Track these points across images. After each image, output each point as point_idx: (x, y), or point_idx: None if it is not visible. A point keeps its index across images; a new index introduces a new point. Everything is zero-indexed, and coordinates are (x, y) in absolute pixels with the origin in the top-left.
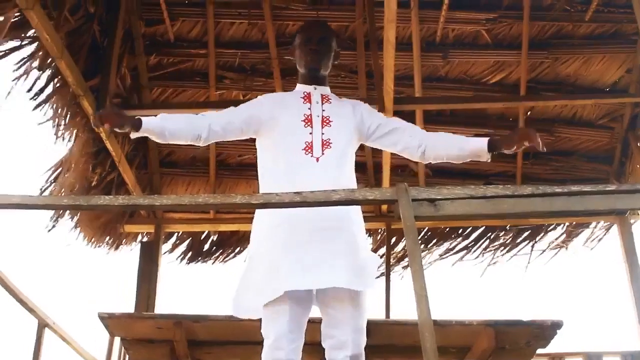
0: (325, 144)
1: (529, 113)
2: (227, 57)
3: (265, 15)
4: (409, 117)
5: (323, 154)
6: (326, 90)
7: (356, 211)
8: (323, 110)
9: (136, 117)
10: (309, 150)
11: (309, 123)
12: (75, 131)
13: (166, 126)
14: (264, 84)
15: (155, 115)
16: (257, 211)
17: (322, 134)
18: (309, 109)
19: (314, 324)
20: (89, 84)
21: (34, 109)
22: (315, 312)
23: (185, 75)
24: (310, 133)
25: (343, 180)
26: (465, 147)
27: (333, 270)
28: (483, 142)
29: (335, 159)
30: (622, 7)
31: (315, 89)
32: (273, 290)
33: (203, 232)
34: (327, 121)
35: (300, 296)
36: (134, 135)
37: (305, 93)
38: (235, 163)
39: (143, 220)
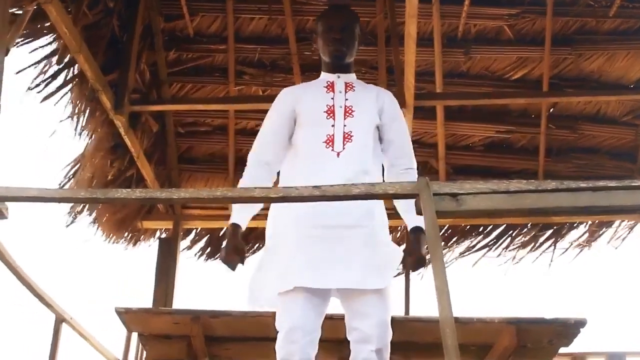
0: (347, 138)
1: (551, 110)
2: (247, 52)
3: (285, 11)
4: (430, 113)
5: (344, 148)
6: (350, 77)
7: (379, 208)
8: (346, 100)
9: (232, 224)
10: (330, 144)
11: (331, 114)
12: (93, 126)
13: (254, 206)
14: (284, 80)
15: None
16: (273, 205)
17: (345, 125)
18: (332, 98)
19: (332, 320)
20: (108, 78)
21: (50, 103)
22: (334, 307)
23: (204, 70)
24: (333, 125)
25: (365, 175)
26: (405, 210)
27: (348, 269)
28: (410, 223)
29: (357, 152)
30: None
31: (339, 77)
32: (284, 283)
33: (222, 228)
34: (350, 111)
35: (315, 288)
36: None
37: (329, 82)
38: None
39: (161, 216)
